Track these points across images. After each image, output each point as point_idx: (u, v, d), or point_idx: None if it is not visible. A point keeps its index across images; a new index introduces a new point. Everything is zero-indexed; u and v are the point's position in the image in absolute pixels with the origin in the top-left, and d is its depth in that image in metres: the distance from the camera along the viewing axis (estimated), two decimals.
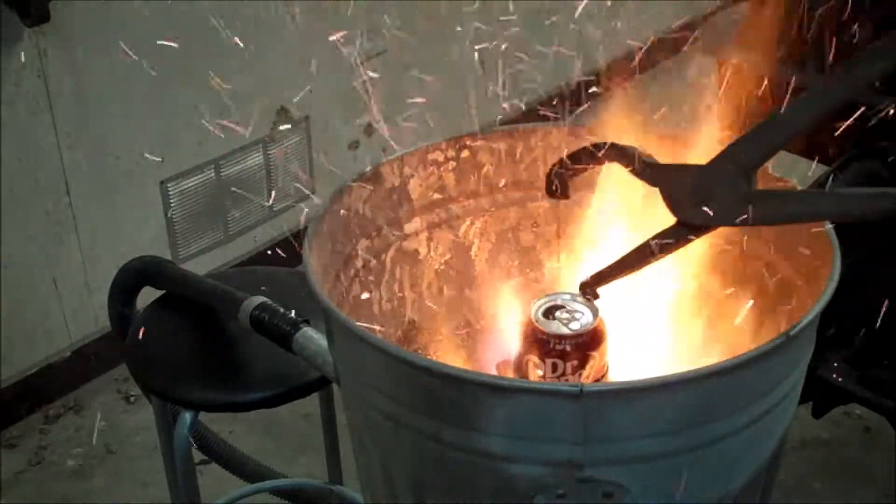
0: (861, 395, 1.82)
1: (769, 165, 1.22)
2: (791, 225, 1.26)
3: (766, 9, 1.31)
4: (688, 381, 1.10)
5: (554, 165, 1.33)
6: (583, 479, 1.12)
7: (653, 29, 1.66)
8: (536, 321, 1.31)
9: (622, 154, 1.24)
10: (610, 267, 1.27)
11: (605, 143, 1.26)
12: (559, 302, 1.32)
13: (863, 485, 2.31)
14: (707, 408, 1.13)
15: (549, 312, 1.31)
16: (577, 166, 1.30)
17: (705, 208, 1.17)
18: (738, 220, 1.16)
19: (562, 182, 1.33)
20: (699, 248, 1.31)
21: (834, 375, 1.80)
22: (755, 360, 1.10)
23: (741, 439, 1.17)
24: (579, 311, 1.31)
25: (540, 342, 1.30)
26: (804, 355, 1.24)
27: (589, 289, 1.30)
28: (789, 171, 1.33)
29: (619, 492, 1.11)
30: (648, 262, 1.24)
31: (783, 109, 1.15)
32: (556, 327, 1.30)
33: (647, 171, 1.22)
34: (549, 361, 1.30)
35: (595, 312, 1.31)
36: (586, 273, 1.33)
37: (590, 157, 1.28)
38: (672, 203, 1.20)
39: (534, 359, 1.30)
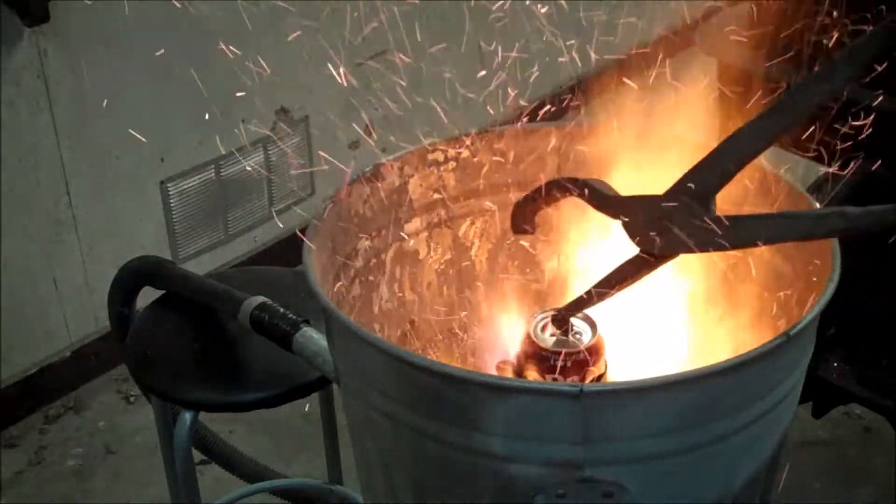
0: (861, 395, 1.82)
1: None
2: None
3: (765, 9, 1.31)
4: (688, 381, 1.10)
5: (518, 202, 1.35)
6: (583, 479, 1.12)
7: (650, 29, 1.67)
8: (536, 337, 1.31)
9: (583, 188, 1.26)
10: (577, 300, 1.29)
11: (567, 179, 1.29)
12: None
13: (863, 485, 2.31)
14: (707, 408, 1.13)
15: (548, 328, 1.32)
16: (540, 201, 1.32)
17: (665, 237, 1.19)
18: (698, 247, 1.18)
19: (528, 217, 1.35)
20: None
21: (834, 375, 1.80)
22: (755, 360, 1.10)
23: (741, 439, 1.17)
24: (578, 327, 1.32)
25: (539, 358, 1.30)
26: (804, 355, 1.24)
27: (559, 323, 1.31)
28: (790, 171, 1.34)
29: (619, 492, 1.11)
30: (614, 292, 1.26)
31: (737, 134, 1.16)
32: (555, 343, 1.30)
33: (608, 203, 1.24)
34: (548, 377, 1.30)
35: (594, 328, 1.31)
36: (584, 272, 1.33)
37: (552, 192, 1.30)
38: (633, 234, 1.22)
39: (533, 374, 1.31)
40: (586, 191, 1.26)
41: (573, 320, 1.32)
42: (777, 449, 1.26)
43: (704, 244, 1.18)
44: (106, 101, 2.50)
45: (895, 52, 1.11)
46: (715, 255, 1.34)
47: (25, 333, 2.56)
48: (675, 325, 1.40)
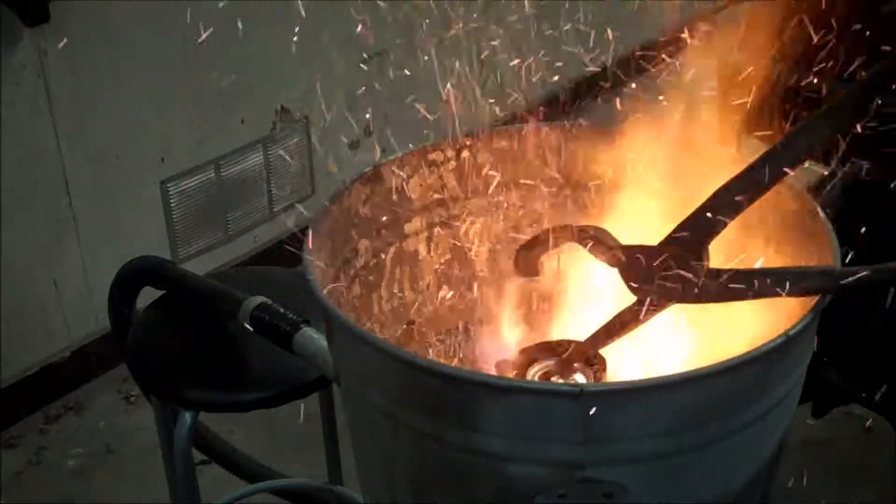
0: (861, 395, 1.81)
1: None
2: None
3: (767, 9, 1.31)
4: (688, 381, 1.10)
5: (521, 247, 1.40)
6: (583, 479, 1.12)
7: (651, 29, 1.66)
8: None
9: (582, 236, 1.31)
10: (574, 349, 1.32)
11: (565, 226, 1.34)
12: (557, 367, 1.33)
13: (863, 485, 2.31)
14: (707, 408, 1.13)
15: (547, 377, 1.32)
16: (540, 248, 1.37)
17: (659, 287, 1.23)
18: (690, 298, 1.22)
19: (530, 262, 1.39)
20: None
21: (834, 375, 1.80)
22: (755, 359, 1.10)
23: (741, 439, 1.17)
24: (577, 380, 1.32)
25: None
26: (804, 355, 1.24)
27: (566, 368, 1.33)
28: None
29: (619, 492, 1.11)
30: (613, 340, 1.30)
31: (727, 186, 1.19)
32: None
33: (605, 251, 1.28)
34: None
35: (591, 374, 1.32)
36: (585, 277, 1.34)
37: (552, 239, 1.35)
38: (629, 282, 1.26)
39: None
40: (585, 239, 1.30)
41: (574, 374, 1.33)
42: (777, 449, 1.26)
43: (696, 296, 1.21)
44: (106, 101, 2.50)
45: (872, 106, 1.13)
46: (715, 256, 1.34)
47: (25, 333, 2.56)
48: (675, 326, 1.40)
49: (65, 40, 2.33)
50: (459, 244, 1.52)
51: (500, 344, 1.42)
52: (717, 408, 1.13)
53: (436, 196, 1.48)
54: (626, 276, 1.26)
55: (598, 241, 1.29)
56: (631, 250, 1.26)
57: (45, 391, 2.65)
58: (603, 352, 1.35)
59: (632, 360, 1.37)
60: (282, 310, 1.45)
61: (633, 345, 1.38)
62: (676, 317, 1.40)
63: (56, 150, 2.45)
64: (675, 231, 1.22)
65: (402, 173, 1.45)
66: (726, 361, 1.10)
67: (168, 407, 1.71)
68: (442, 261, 1.52)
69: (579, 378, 1.32)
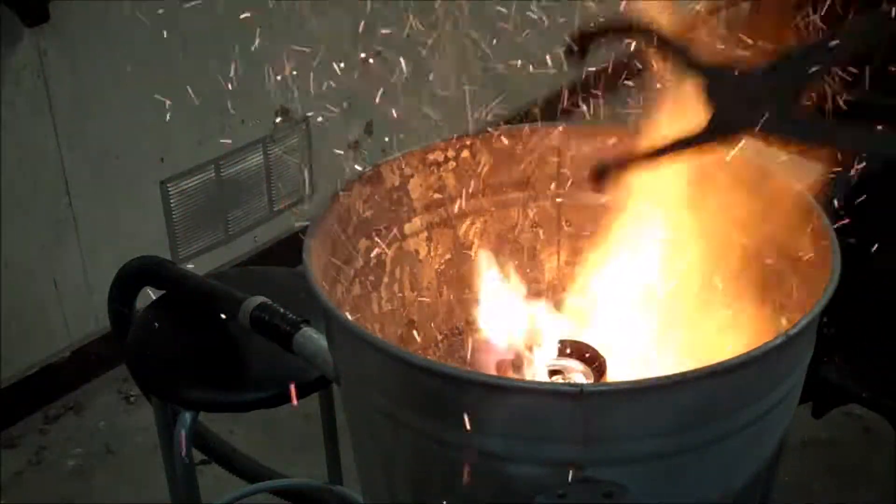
0: (861, 395, 1.81)
1: None
2: (800, 208, 1.23)
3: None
4: (688, 381, 1.10)
5: (590, 26, 1.25)
6: (583, 479, 1.12)
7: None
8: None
9: (667, 43, 1.20)
10: (625, 157, 1.23)
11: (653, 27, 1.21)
12: (561, 367, 1.33)
13: (863, 485, 2.31)
14: (707, 408, 1.13)
15: (549, 375, 1.32)
16: (606, 34, 1.25)
17: (747, 114, 1.14)
18: (777, 132, 1.14)
19: (585, 45, 1.25)
20: (700, 247, 1.31)
21: (834, 375, 1.80)
22: (755, 360, 1.10)
23: (741, 439, 1.17)
24: (574, 377, 1.32)
25: None
26: (804, 355, 1.24)
27: (600, 178, 1.24)
28: None
29: (619, 492, 1.11)
30: (666, 159, 1.20)
31: (835, 33, 1.13)
32: None
33: (692, 64, 1.18)
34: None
35: (591, 380, 1.32)
36: (586, 276, 1.33)
37: (625, 30, 1.23)
38: (712, 103, 1.17)
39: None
40: (667, 45, 1.20)
41: (570, 364, 1.32)
42: (777, 449, 1.26)
43: (785, 132, 1.14)
44: (106, 101, 2.50)
45: None
46: (715, 256, 1.34)
47: (25, 333, 2.55)
48: (675, 326, 1.40)
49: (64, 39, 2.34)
50: (459, 244, 1.52)
51: (500, 344, 1.42)
52: (716, 408, 1.13)
53: (436, 196, 1.49)
54: (709, 97, 1.16)
55: (683, 52, 1.18)
56: (721, 70, 1.16)
57: (45, 391, 2.65)
58: (603, 352, 1.35)
59: (632, 361, 1.37)
60: (282, 310, 1.45)
61: (633, 345, 1.38)
62: (677, 315, 1.40)
63: (56, 150, 2.45)
64: (777, 63, 1.15)
65: (402, 173, 1.45)
66: (726, 361, 1.10)
67: (168, 407, 1.71)
68: (442, 261, 1.52)
69: (579, 378, 1.32)
